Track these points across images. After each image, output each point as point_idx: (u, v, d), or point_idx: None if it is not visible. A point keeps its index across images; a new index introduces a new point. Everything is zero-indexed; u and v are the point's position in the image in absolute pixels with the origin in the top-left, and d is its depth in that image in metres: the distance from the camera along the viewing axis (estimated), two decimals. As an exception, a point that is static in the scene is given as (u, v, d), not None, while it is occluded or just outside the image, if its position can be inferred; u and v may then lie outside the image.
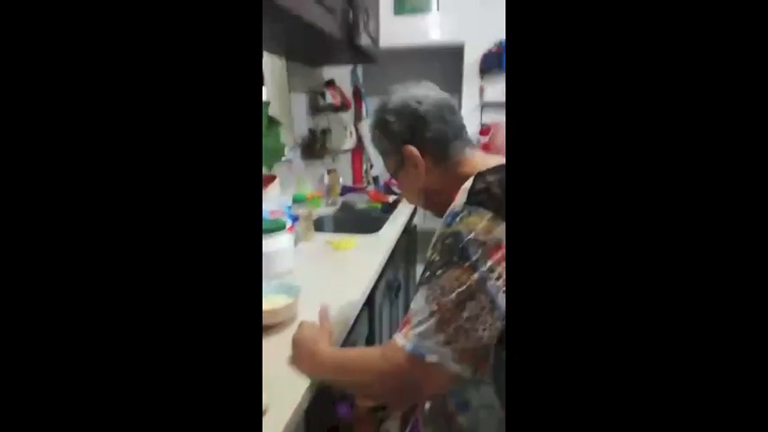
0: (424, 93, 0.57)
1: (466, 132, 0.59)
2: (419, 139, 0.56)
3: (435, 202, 0.57)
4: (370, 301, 0.99)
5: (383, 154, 0.62)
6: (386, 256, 1.10)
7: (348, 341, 0.78)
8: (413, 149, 0.56)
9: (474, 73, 2.91)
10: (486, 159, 0.56)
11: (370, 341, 1.02)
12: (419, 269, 1.83)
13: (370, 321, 1.02)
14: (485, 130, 2.93)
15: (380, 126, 0.59)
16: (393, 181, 0.63)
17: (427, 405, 0.61)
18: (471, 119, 3.01)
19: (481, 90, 2.91)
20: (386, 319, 1.20)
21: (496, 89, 2.88)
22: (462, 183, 0.50)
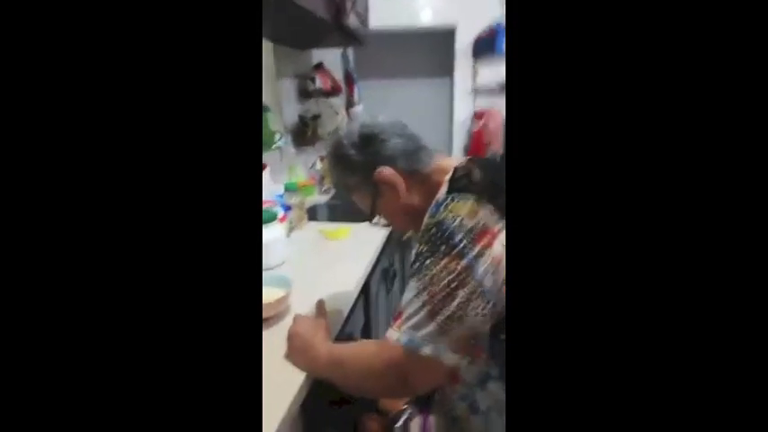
0: (370, 119, 0.58)
1: (426, 145, 0.59)
2: (385, 158, 0.55)
3: (422, 219, 0.52)
4: (365, 291, 0.97)
5: (354, 191, 0.60)
6: (381, 244, 1.08)
7: (344, 332, 0.76)
8: (384, 169, 0.55)
9: (466, 57, 2.86)
10: (461, 160, 0.54)
11: (366, 331, 1.01)
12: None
13: (366, 311, 1.01)
14: (478, 115, 2.89)
15: (342, 164, 0.58)
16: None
17: (433, 418, 0.59)
18: (464, 104, 2.97)
19: (474, 74, 2.86)
20: (382, 307, 1.19)
21: (489, 73, 2.83)
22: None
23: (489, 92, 2.87)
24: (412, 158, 0.56)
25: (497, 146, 2.88)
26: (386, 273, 1.22)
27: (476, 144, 2.91)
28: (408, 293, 0.46)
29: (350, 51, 2.25)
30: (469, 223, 0.43)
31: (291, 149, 1.62)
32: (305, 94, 1.70)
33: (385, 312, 1.23)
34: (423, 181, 0.56)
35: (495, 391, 0.50)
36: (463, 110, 2.98)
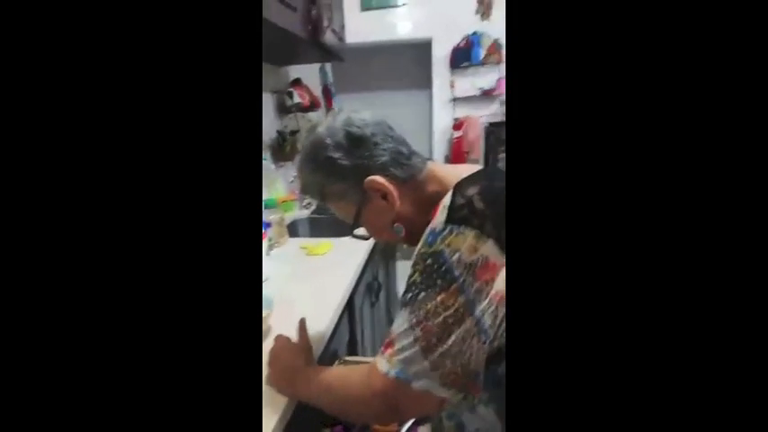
0: (357, 116, 0.51)
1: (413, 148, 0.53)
2: (378, 165, 0.49)
3: (412, 231, 0.49)
4: (350, 306, 0.97)
5: (335, 199, 0.53)
6: (364, 258, 1.08)
7: (329, 348, 0.75)
8: (377, 179, 0.49)
9: (443, 68, 2.92)
10: (456, 169, 0.51)
11: (351, 347, 1.00)
12: (399, 266, 1.80)
13: (351, 327, 1.00)
14: (457, 124, 2.95)
15: (325, 169, 0.50)
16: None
17: (424, 428, 0.59)
18: (443, 114, 3.02)
19: (452, 85, 2.92)
20: (367, 322, 1.18)
21: (467, 83, 2.90)
22: (436, 200, 0.46)
23: (467, 101, 2.93)
24: (406, 165, 0.50)
25: (477, 154, 2.94)
26: (370, 286, 1.22)
27: (456, 153, 2.96)
28: (401, 324, 0.43)
29: (328, 66, 2.27)
30: (469, 258, 0.40)
31: (271, 165, 1.61)
32: (283, 109, 1.70)
33: (370, 327, 1.22)
34: (415, 189, 0.51)
35: (484, 414, 0.48)
36: (442, 120, 3.04)
